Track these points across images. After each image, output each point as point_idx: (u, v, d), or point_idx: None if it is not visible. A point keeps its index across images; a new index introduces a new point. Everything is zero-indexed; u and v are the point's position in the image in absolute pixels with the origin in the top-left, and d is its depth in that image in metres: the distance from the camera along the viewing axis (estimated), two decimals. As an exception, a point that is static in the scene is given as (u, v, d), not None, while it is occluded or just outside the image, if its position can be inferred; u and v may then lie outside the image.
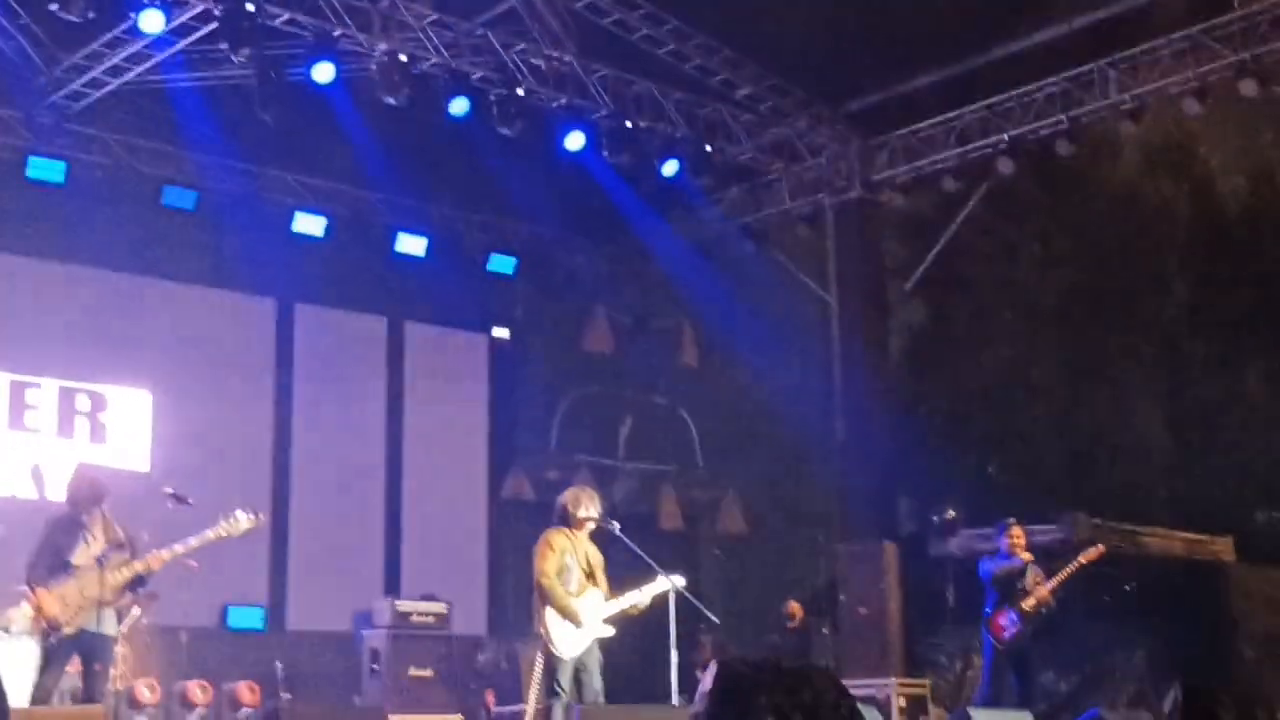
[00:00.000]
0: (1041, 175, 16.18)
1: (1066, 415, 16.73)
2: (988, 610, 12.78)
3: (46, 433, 15.93)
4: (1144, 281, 16.62)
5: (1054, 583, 12.63)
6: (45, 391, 15.98)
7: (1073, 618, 14.90)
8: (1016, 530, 12.92)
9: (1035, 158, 15.88)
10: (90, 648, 10.24)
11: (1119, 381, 16.06)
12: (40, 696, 9.98)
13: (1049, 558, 13.22)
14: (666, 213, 17.88)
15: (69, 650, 10.19)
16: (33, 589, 10.08)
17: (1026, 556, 12.84)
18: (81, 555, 10.21)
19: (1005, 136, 15.90)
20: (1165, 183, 17.10)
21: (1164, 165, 16.96)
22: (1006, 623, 12.60)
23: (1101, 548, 12.76)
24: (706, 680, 3.75)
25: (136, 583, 10.36)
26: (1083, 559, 12.63)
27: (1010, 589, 12.72)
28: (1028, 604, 12.57)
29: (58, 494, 11.14)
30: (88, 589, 10.10)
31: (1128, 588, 15.61)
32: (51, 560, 10.18)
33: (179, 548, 10.31)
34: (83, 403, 16.18)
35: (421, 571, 17.48)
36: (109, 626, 10.34)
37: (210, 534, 10.38)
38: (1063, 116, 15.52)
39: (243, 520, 10.49)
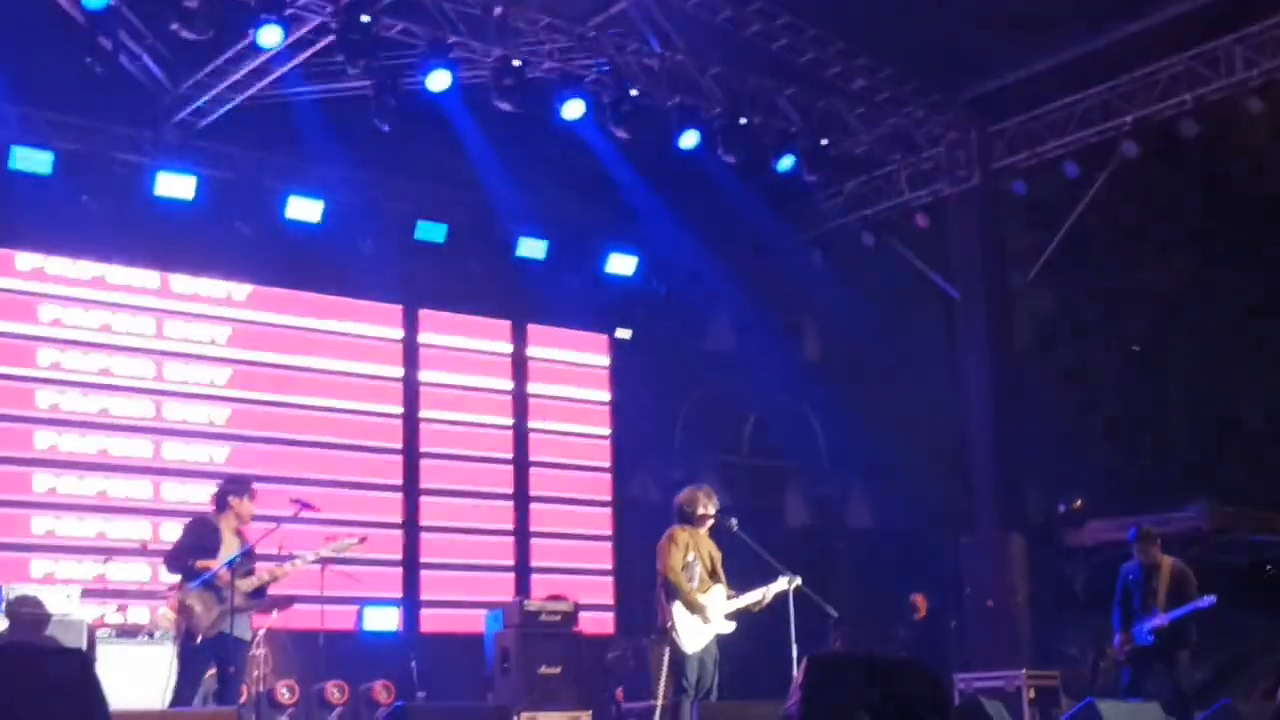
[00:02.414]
0: (1166, 156, 15.86)
1: (1197, 400, 16.40)
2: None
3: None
4: (1274, 261, 16.23)
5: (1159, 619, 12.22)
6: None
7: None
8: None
9: (1159, 139, 15.59)
10: (227, 652, 10.44)
11: (1249, 365, 15.69)
12: (179, 700, 10.21)
13: (1182, 546, 12.93)
14: (784, 208, 17.81)
15: (208, 654, 10.40)
16: (178, 593, 10.38)
17: (1163, 560, 12.43)
18: (219, 559, 10.42)
19: (1129, 119, 15.65)
20: (1296, 159, 16.67)
21: (1294, 142, 16.54)
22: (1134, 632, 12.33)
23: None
24: (798, 675, 3.76)
25: (258, 592, 10.65)
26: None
27: (1130, 602, 12.46)
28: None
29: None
30: (225, 593, 10.32)
31: (1268, 568, 15.30)
32: (193, 564, 10.41)
33: (297, 562, 10.86)
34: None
35: (549, 573, 17.69)
36: (243, 631, 10.59)
37: (324, 551, 11.19)
38: (1187, 96, 15.23)
39: (347, 543, 11.37)
